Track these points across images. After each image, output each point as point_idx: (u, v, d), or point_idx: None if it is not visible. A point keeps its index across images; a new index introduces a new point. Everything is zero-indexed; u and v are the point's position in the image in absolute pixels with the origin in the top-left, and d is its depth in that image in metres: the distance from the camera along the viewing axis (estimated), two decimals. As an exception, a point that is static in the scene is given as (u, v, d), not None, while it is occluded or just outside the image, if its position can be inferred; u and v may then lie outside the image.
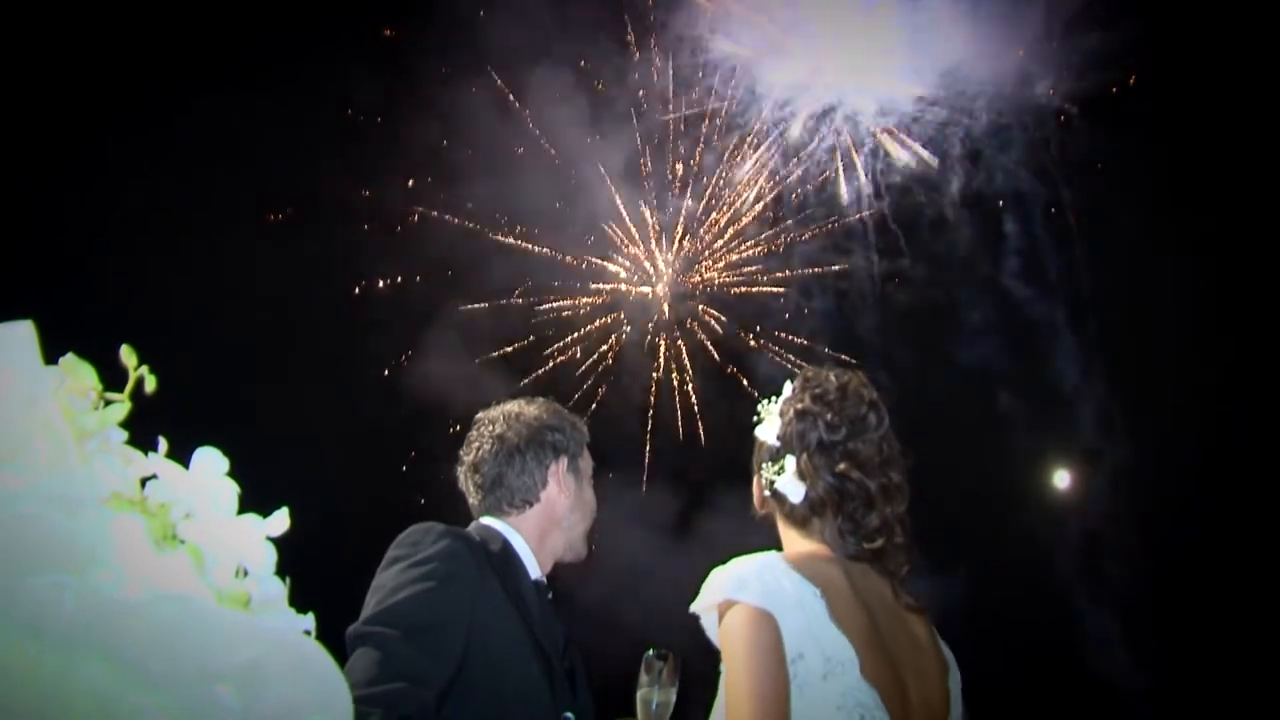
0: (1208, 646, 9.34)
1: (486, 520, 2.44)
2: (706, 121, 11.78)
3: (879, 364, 11.03)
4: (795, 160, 11.69)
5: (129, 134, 8.71)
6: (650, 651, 2.42)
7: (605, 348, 12.06)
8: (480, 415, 2.55)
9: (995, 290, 11.26)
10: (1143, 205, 10.00)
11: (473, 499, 2.50)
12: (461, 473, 2.51)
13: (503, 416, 2.51)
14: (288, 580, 0.96)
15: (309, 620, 0.94)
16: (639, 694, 2.40)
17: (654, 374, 12.16)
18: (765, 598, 1.77)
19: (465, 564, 2.15)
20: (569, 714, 2.18)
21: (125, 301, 7.88)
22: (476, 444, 2.50)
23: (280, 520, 0.98)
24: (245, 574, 0.95)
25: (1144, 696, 9.63)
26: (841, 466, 1.96)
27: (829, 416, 2.00)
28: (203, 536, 0.94)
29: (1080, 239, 11.01)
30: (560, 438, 2.50)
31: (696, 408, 11.97)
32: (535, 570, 2.39)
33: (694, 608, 1.88)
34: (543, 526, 2.44)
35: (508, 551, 2.36)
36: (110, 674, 0.80)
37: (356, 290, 10.76)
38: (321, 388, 9.88)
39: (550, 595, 2.40)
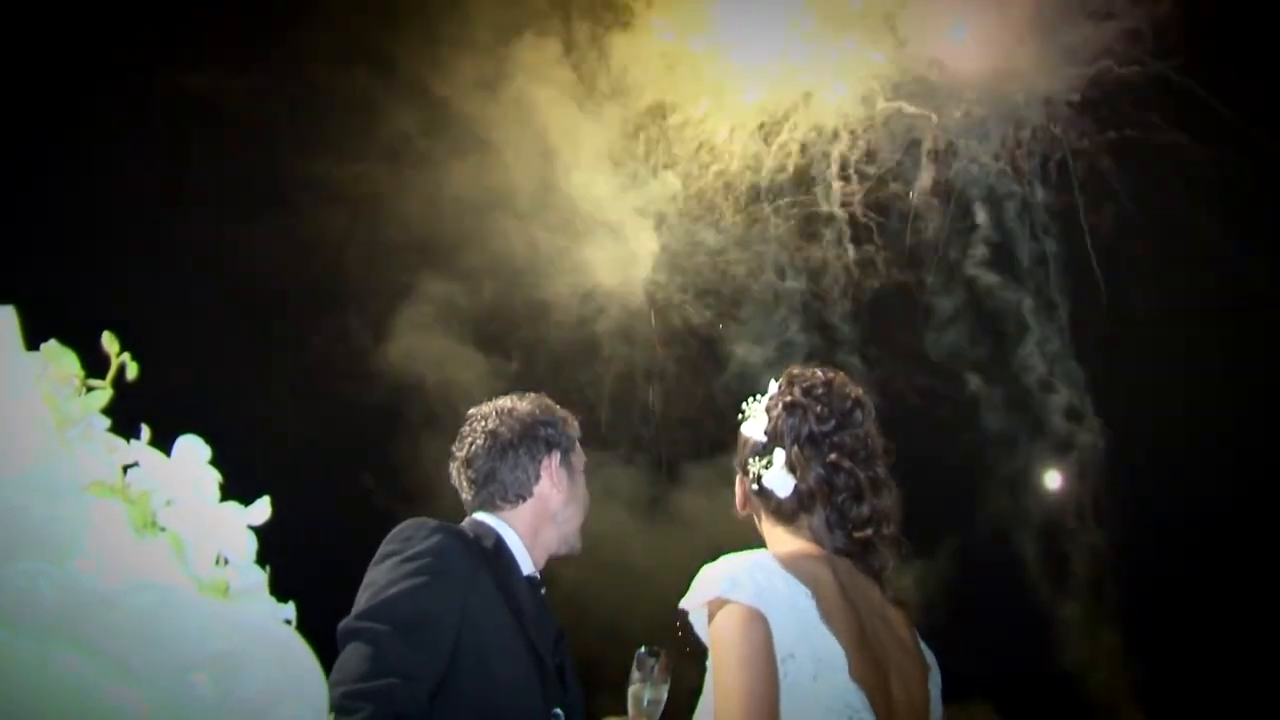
0: (1184, 643, 9.40)
1: (480, 516, 2.45)
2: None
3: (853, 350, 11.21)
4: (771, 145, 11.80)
5: (107, 118, 8.72)
6: (642, 649, 2.43)
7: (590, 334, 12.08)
8: (472, 411, 2.56)
9: (965, 279, 11.43)
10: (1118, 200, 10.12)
11: (466, 495, 2.50)
12: (454, 468, 2.52)
13: (495, 412, 2.52)
14: (268, 569, 0.95)
15: (289, 609, 0.94)
16: (630, 690, 2.41)
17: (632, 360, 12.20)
18: (758, 597, 1.77)
19: (457, 560, 2.16)
20: (559, 710, 2.18)
21: (107, 287, 7.88)
22: (469, 440, 2.50)
23: (262, 508, 0.97)
24: (226, 562, 0.94)
25: (1114, 692, 9.71)
26: (832, 457, 1.97)
27: (818, 409, 2.01)
28: (184, 524, 0.94)
29: (1054, 233, 11.16)
30: (553, 432, 2.50)
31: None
32: (528, 565, 2.39)
33: (683, 604, 1.88)
34: (536, 521, 2.44)
35: (500, 547, 2.36)
36: (87, 664, 0.80)
37: (337, 275, 10.74)
38: (305, 375, 9.90)
39: (543, 590, 2.40)
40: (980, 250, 11.34)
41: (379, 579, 2.07)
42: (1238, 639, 9.03)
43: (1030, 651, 10.20)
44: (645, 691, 2.39)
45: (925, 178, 11.27)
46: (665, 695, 2.41)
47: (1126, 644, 10.02)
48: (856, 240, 11.78)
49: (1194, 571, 9.39)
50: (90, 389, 0.96)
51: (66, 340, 0.96)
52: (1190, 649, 9.26)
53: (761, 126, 11.82)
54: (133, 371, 0.96)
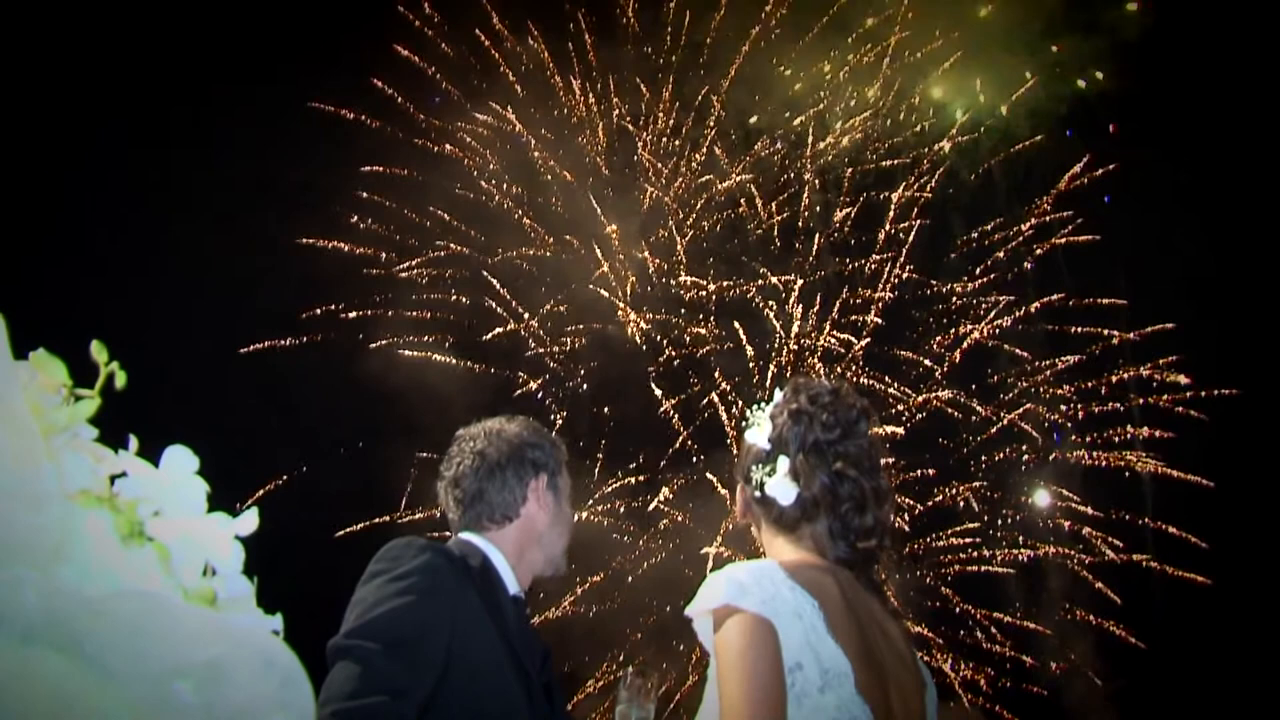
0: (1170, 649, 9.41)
1: (466, 535, 2.44)
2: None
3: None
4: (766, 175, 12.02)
5: (100, 130, 8.74)
6: (629, 669, 2.43)
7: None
8: (461, 432, 2.56)
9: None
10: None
11: (453, 514, 2.50)
12: (442, 488, 2.52)
13: (483, 433, 2.53)
14: (255, 579, 0.95)
15: (276, 620, 0.93)
16: (618, 710, 2.41)
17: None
18: (765, 605, 1.76)
19: (445, 578, 2.16)
20: (545, 728, 2.16)
21: (96, 297, 7.87)
22: (457, 460, 2.50)
23: (249, 520, 0.97)
24: (213, 572, 0.94)
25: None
26: (837, 466, 1.96)
27: (824, 417, 2.00)
28: (171, 534, 0.93)
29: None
30: (540, 455, 2.51)
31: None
32: (514, 585, 2.38)
33: (689, 611, 1.86)
34: (522, 542, 2.44)
35: (487, 567, 2.36)
36: (70, 669, 0.79)
37: (323, 285, 10.76)
38: (292, 388, 9.88)
39: (528, 610, 2.40)
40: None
41: (368, 597, 2.06)
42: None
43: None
44: (632, 710, 2.39)
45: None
46: (652, 713, 2.41)
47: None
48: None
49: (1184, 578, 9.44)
50: (78, 398, 0.96)
51: (54, 349, 0.96)
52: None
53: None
54: (121, 381, 0.96)
